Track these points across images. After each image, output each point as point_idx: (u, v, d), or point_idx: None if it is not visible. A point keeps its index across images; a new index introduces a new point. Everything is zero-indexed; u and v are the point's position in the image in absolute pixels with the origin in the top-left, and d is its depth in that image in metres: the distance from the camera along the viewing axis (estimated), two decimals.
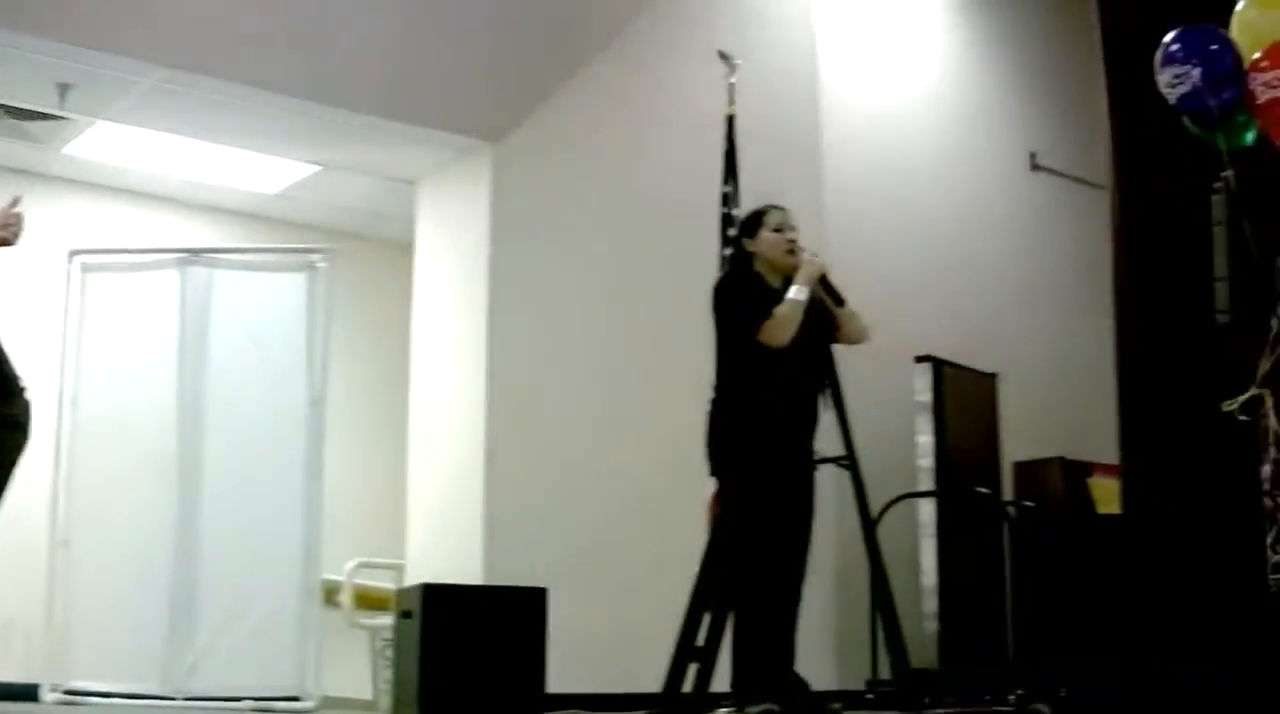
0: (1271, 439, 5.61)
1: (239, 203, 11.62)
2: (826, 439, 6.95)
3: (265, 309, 9.46)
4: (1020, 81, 10.44)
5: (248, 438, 9.24)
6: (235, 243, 10.73)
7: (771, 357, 6.35)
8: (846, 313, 6.62)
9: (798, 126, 9.13)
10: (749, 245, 6.66)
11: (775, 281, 6.54)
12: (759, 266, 6.62)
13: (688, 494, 7.20)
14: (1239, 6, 5.82)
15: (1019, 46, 10.49)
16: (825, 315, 6.58)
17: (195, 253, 9.59)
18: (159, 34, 8.59)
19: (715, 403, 6.54)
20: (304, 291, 9.44)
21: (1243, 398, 5.64)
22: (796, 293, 6.40)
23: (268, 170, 10.97)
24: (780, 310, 6.36)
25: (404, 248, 10.80)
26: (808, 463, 6.60)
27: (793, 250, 6.54)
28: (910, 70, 9.81)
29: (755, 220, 6.70)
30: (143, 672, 8.99)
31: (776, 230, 6.60)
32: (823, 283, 6.54)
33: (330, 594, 9.65)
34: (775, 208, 6.69)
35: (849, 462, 7.39)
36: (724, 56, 8.18)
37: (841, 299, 6.60)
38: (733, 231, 7.76)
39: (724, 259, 7.74)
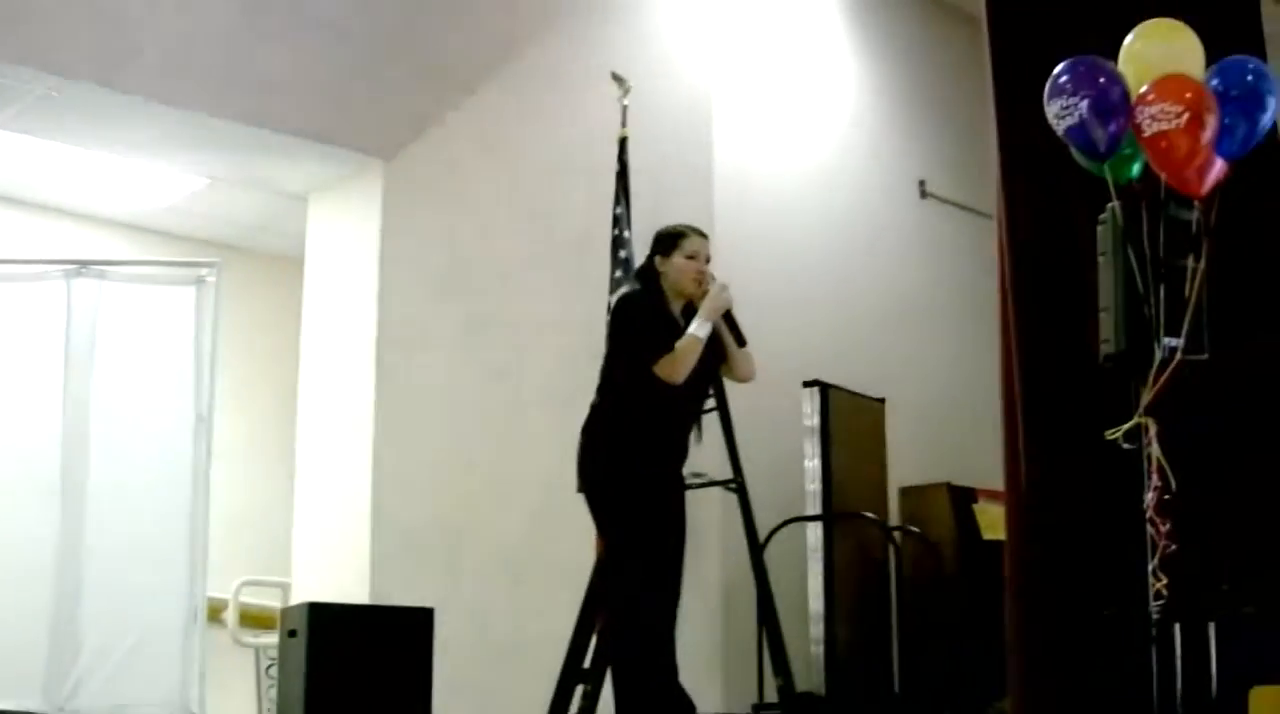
0: (1155, 467, 5.67)
1: (128, 215, 11.50)
2: (714, 462, 6.96)
3: (153, 323, 9.33)
4: (910, 110, 10.53)
5: (133, 453, 9.10)
6: (123, 255, 10.59)
7: (660, 384, 6.21)
8: (742, 352, 6.52)
9: (689, 150, 9.16)
10: (660, 263, 6.48)
11: (677, 305, 6.44)
12: (665, 285, 6.47)
13: (576, 516, 7.18)
14: (1128, 40, 5.89)
15: (910, 74, 10.57)
16: (718, 347, 6.44)
17: (83, 265, 9.44)
18: (47, 42, 8.49)
19: (591, 419, 6.42)
20: (192, 305, 9.31)
21: (1126, 426, 5.71)
22: (699, 328, 6.26)
23: (157, 182, 10.87)
24: (681, 345, 6.21)
25: (294, 263, 10.72)
26: (678, 487, 6.47)
27: (699, 281, 6.40)
28: (803, 98, 9.86)
29: (672, 241, 6.49)
30: (25, 688, 8.82)
31: (690, 257, 6.44)
32: (727, 318, 6.43)
33: (215, 612, 9.54)
34: (697, 233, 6.52)
35: (737, 485, 7.43)
36: (617, 78, 8.18)
37: (743, 339, 6.49)
38: (624, 253, 7.78)
39: (614, 281, 7.73)
